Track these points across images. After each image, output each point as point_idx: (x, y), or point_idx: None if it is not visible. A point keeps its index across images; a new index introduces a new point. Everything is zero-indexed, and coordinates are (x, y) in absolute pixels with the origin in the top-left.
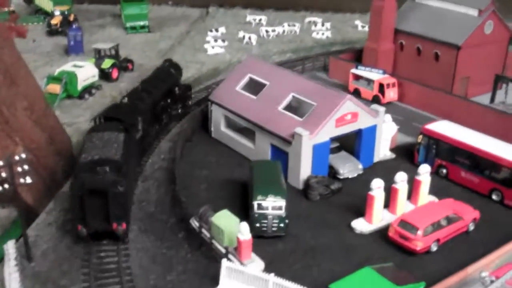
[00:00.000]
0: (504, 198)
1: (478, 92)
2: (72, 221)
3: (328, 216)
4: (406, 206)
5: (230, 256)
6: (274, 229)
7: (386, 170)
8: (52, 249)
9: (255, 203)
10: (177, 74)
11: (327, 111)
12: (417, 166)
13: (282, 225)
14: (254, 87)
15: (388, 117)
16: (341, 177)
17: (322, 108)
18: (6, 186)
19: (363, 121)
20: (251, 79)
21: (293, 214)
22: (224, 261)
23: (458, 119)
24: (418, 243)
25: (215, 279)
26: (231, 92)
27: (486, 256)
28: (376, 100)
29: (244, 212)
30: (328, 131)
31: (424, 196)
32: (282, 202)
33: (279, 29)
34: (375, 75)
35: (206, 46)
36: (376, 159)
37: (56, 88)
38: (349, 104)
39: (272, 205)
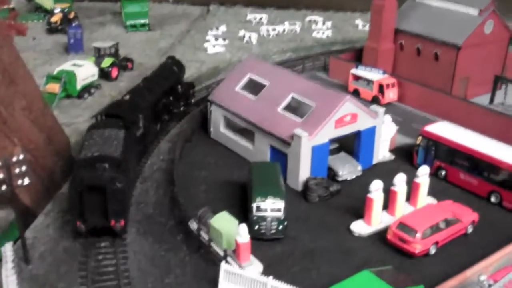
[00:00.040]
0: (502, 200)
1: (477, 92)
2: (71, 222)
3: (327, 218)
4: (405, 208)
5: (228, 258)
6: (272, 231)
7: (385, 172)
8: (50, 251)
9: (254, 205)
10: (179, 72)
11: (327, 112)
12: (416, 167)
13: (280, 227)
14: (254, 87)
15: (388, 118)
16: (340, 179)
17: (322, 109)
18: (4, 187)
19: (363, 122)
20: (250, 79)
21: (292, 216)
22: (222, 264)
23: (458, 120)
24: (417, 246)
25: (214, 282)
26: (230, 93)
27: (484, 258)
28: (375, 100)
29: (244, 213)
30: (327, 132)
31: (423, 197)
32: (281, 204)
33: (279, 28)
34: (375, 75)
35: (206, 45)
36: (375, 160)
37: (55, 87)
38: (348, 105)
39: (270, 207)
